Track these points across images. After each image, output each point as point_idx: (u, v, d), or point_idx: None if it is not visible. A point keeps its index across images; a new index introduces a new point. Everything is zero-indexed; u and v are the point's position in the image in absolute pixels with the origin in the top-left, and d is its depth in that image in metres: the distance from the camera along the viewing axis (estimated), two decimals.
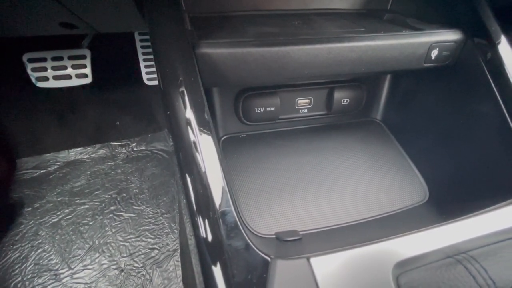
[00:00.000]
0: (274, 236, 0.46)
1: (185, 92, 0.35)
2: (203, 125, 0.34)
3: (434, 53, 0.48)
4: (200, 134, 0.33)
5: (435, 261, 0.28)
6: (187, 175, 0.33)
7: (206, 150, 0.33)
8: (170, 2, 0.42)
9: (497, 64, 0.47)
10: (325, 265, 0.27)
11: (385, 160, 0.60)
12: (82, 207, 1.05)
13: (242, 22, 0.52)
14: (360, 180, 0.56)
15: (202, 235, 0.32)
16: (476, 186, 0.49)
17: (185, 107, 0.34)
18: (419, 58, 0.48)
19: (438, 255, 0.28)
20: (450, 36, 0.48)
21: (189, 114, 0.34)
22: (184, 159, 0.33)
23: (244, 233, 0.30)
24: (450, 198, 0.51)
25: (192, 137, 0.33)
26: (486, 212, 0.34)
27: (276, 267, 0.27)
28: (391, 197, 0.53)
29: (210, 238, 0.31)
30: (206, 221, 0.32)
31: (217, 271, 0.29)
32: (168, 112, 0.34)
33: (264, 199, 0.52)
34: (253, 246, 0.30)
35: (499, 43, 0.47)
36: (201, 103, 0.35)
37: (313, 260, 0.27)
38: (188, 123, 0.34)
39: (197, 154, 0.33)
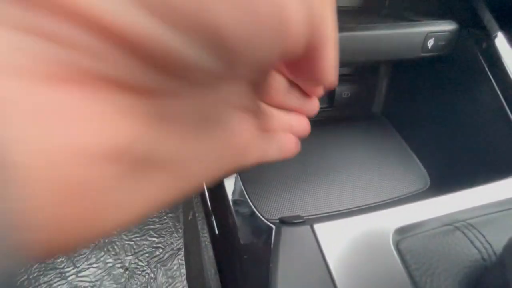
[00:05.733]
0: (277, 221, 0.47)
1: None
2: None
3: (430, 43, 0.50)
4: None
5: (434, 228, 0.29)
6: None
7: None
8: None
9: (492, 53, 0.48)
10: (328, 231, 0.28)
11: (386, 150, 0.61)
12: None
13: None
14: (362, 169, 0.57)
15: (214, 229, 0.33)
16: (476, 172, 0.50)
17: None
18: (416, 47, 0.50)
19: (437, 223, 0.29)
20: (445, 26, 0.50)
21: None
22: None
23: (250, 202, 0.32)
24: (451, 184, 0.51)
25: None
26: (485, 184, 0.34)
27: (280, 233, 0.28)
28: (393, 185, 0.54)
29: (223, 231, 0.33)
30: (218, 211, 0.34)
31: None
32: None
33: (268, 186, 0.53)
34: (259, 215, 0.31)
35: (493, 32, 0.48)
36: None
37: (316, 227, 0.28)
38: None
39: None
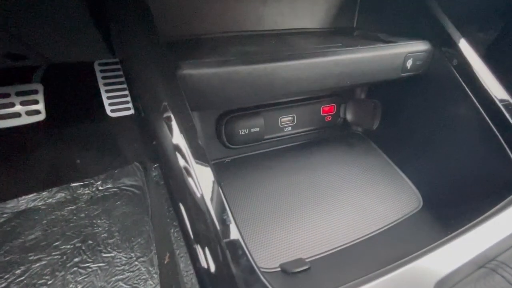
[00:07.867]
0: (279, 269, 0.41)
1: (172, 117, 0.30)
2: (197, 151, 0.30)
3: (409, 63, 0.50)
4: (195, 160, 0.29)
5: (470, 274, 0.26)
6: (181, 205, 0.28)
7: (202, 178, 0.29)
8: (145, 27, 0.39)
9: (466, 68, 0.50)
10: None
11: (374, 171, 0.60)
12: (37, 264, 0.89)
13: (220, 43, 0.50)
14: (354, 194, 0.54)
15: (204, 267, 0.27)
16: (467, 186, 0.50)
17: (173, 133, 0.30)
18: (397, 68, 0.50)
19: (471, 266, 0.26)
20: (420, 46, 0.51)
21: (180, 140, 0.29)
22: (177, 189, 0.29)
23: (254, 266, 0.26)
24: (444, 201, 0.51)
25: (184, 165, 0.29)
26: (497, 213, 0.33)
27: None
28: (388, 208, 0.52)
29: (214, 270, 0.27)
30: (208, 253, 0.27)
31: None
32: (154, 142, 0.30)
33: (261, 227, 0.48)
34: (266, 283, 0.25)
35: (463, 49, 0.50)
36: (192, 127, 0.31)
37: None
38: (179, 150, 0.29)
39: (192, 182, 0.29)
